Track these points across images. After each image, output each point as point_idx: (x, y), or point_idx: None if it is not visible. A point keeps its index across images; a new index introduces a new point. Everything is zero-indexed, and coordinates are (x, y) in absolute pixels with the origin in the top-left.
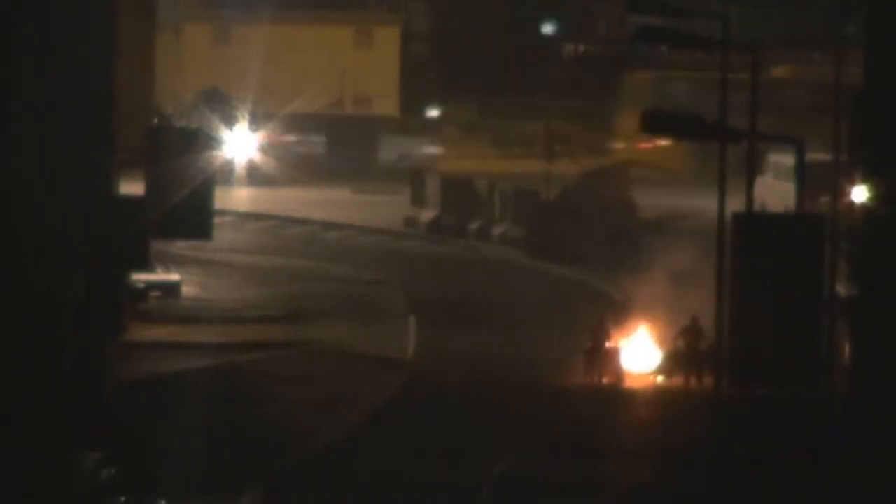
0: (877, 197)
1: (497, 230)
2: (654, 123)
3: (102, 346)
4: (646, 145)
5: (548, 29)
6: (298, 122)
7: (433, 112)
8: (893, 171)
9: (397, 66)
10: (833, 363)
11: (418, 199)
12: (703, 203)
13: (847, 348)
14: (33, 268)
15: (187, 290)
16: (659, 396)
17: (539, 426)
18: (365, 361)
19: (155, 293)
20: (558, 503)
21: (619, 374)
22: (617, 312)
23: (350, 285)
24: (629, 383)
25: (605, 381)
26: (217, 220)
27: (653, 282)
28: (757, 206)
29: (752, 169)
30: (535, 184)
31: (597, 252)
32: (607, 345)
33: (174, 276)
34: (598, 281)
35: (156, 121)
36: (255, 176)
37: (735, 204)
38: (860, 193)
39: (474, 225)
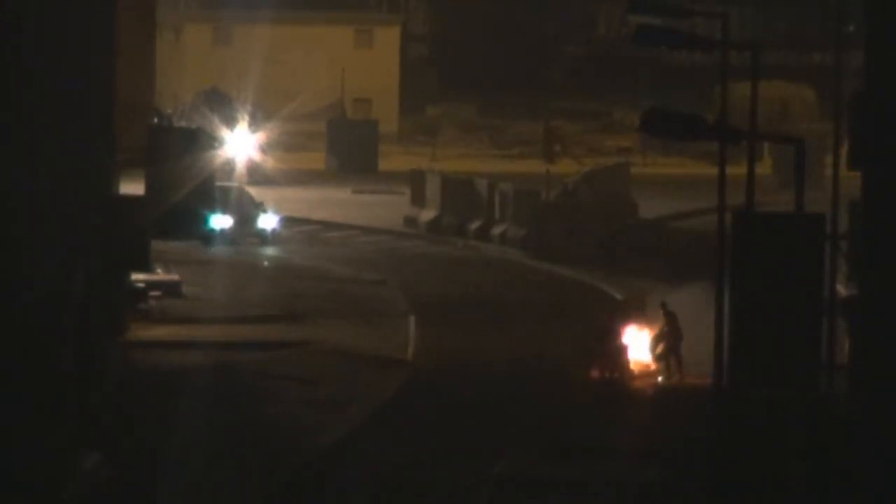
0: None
1: (497, 230)
2: (653, 123)
3: (102, 346)
4: None
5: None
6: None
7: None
8: (892, 171)
9: (397, 66)
10: (833, 363)
11: (418, 199)
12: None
13: (847, 348)
14: (33, 268)
15: (187, 290)
16: (659, 395)
17: (540, 425)
18: (365, 361)
19: (155, 293)
20: (558, 503)
21: (624, 370)
22: (625, 310)
23: (350, 285)
24: (633, 380)
25: (608, 377)
26: None
27: (653, 281)
28: None
29: (752, 168)
30: (535, 184)
31: (597, 252)
32: (613, 341)
33: (174, 276)
34: (598, 281)
35: (156, 121)
36: (255, 176)
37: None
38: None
39: (474, 225)
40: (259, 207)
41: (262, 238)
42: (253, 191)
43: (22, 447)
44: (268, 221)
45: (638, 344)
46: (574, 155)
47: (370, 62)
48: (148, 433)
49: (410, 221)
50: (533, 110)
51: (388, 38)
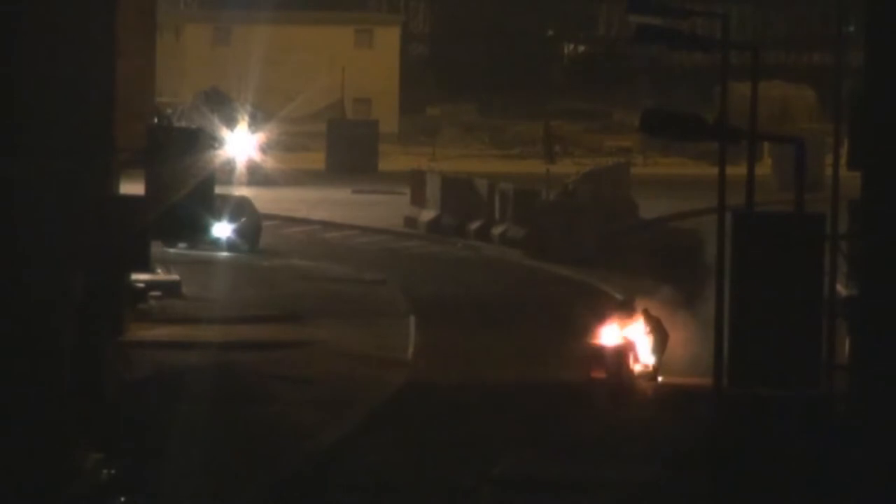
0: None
1: (497, 230)
2: (653, 123)
3: (102, 346)
4: None
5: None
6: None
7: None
8: (892, 171)
9: (397, 66)
10: (833, 363)
11: (418, 199)
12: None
13: (847, 348)
14: (33, 268)
15: (187, 290)
16: (659, 395)
17: (541, 425)
18: (365, 361)
19: (155, 293)
20: (558, 503)
21: (624, 370)
22: (647, 311)
23: (350, 285)
24: (633, 380)
25: (609, 377)
26: None
27: (652, 281)
28: None
29: (752, 168)
30: (535, 184)
31: (597, 252)
32: (614, 342)
33: (174, 276)
34: (598, 281)
35: (156, 121)
36: (255, 176)
37: None
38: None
39: (474, 225)
40: (220, 213)
41: (218, 247)
42: (253, 191)
43: (22, 447)
44: (222, 230)
45: (638, 345)
46: (574, 155)
47: (370, 62)
48: (148, 433)
49: (410, 221)
50: (533, 110)
51: (388, 38)
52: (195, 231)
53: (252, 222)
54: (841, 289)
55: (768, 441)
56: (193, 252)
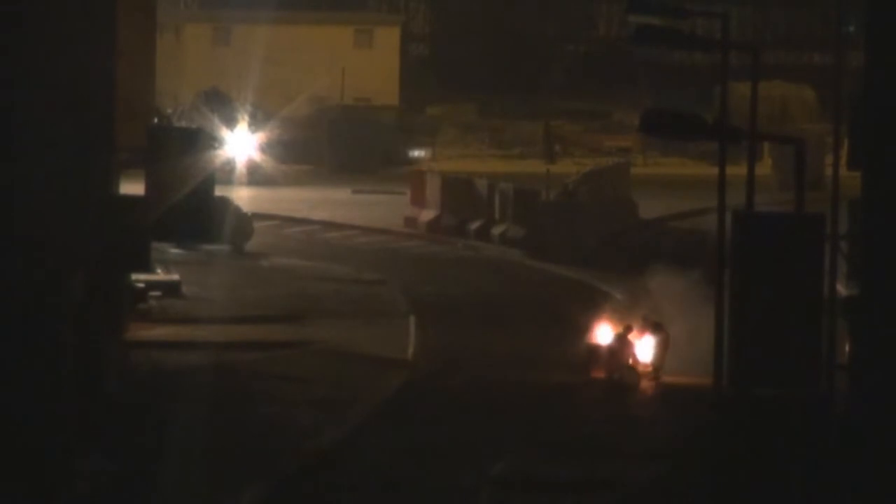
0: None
1: (497, 230)
2: (653, 123)
3: (102, 346)
4: None
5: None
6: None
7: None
8: (892, 171)
9: (397, 67)
10: (833, 363)
11: (418, 199)
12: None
13: (847, 348)
14: (33, 268)
15: (187, 290)
16: (659, 395)
17: (541, 424)
18: (365, 361)
19: (155, 293)
20: (558, 503)
21: (625, 370)
22: (647, 313)
23: (350, 285)
24: (634, 380)
25: (610, 377)
26: None
27: (652, 282)
28: None
29: (752, 168)
30: (535, 184)
31: (597, 252)
32: (612, 342)
33: (174, 276)
34: (598, 281)
35: (156, 121)
36: (255, 176)
37: None
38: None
39: (474, 225)
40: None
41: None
42: (253, 191)
43: (21, 448)
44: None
45: (637, 345)
46: (574, 155)
47: (370, 62)
48: (148, 433)
49: (410, 221)
50: (533, 110)
51: (388, 38)
52: (194, 231)
53: (233, 222)
54: (841, 289)
55: (768, 441)
56: (191, 252)
